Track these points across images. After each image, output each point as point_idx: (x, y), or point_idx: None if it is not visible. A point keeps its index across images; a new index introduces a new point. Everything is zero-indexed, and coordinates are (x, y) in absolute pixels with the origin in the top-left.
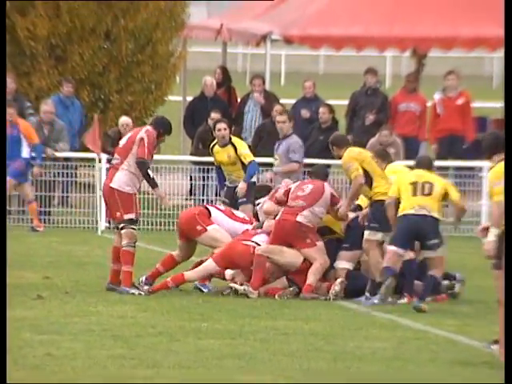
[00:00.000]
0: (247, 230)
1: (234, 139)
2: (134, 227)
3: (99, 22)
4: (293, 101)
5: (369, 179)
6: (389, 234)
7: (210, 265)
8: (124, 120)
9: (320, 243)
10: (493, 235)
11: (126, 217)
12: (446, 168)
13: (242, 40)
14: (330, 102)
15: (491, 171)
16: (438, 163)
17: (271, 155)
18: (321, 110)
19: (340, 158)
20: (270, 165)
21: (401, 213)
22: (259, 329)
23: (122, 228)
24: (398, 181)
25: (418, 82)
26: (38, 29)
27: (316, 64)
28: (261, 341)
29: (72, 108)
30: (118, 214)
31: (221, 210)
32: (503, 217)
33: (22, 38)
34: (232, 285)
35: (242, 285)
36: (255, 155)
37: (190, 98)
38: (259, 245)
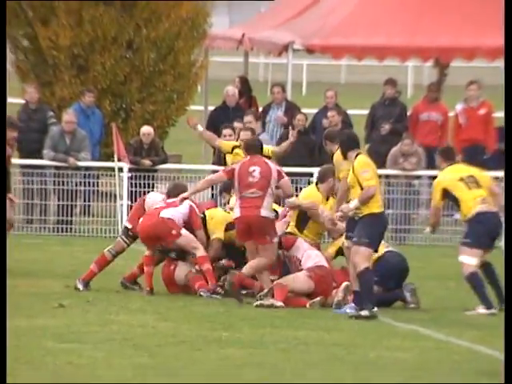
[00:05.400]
0: None
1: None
2: None
3: (121, 32)
4: (314, 110)
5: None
6: None
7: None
8: (146, 129)
9: (275, 240)
10: (354, 204)
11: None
12: None
13: (264, 50)
14: (352, 111)
15: (356, 163)
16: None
17: (295, 164)
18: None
19: (332, 153)
20: (292, 174)
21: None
22: (280, 338)
23: None
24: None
25: (439, 92)
26: (60, 38)
27: (337, 74)
28: (282, 350)
29: (93, 117)
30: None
31: None
32: (371, 199)
33: (45, 48)
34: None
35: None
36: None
37: (211, 108)
38: None
